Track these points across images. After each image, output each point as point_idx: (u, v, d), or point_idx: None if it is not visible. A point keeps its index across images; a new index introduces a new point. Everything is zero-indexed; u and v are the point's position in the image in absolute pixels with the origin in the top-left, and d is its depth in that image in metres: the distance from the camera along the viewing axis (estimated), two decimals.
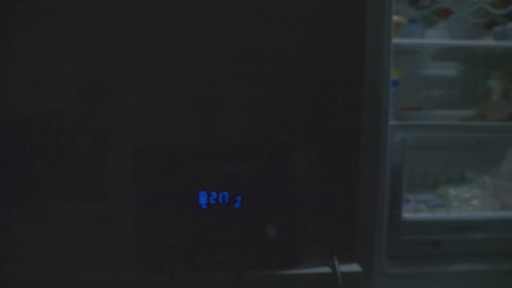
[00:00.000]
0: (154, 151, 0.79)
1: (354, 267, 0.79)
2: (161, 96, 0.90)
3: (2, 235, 0.78)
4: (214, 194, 0.77)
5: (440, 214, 0.91)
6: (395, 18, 1.04)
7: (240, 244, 0.76)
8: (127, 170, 0.76)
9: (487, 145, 1.17)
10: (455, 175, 1.14)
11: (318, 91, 0.89)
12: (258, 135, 0.89)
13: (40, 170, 0.88)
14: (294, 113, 0.89)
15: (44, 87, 0.91)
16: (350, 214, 0.84)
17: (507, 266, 0.95)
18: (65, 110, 0.92)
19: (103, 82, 0.93)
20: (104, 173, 0.88)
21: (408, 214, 0.90)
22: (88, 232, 0.80)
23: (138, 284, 0.72)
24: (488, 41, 1.13)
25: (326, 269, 0.77)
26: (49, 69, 0.89)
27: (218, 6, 0.89)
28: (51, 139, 0.88)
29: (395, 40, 0.94)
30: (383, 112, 0.82)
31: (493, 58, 1.29)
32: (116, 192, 0.87)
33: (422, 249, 0.91)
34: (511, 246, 0.98)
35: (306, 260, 0.79)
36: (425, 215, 0.91)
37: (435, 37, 1.41)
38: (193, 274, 0.73)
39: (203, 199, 0.77)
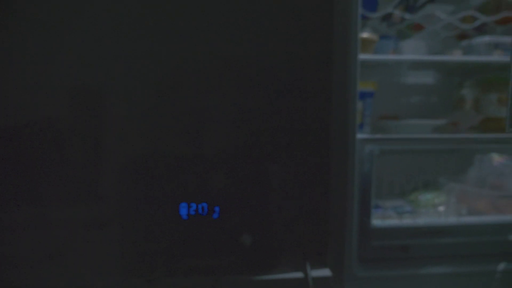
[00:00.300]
0: (138, 162, 0.84)
1: (325, 272, 0.86)
2: (147, 106, 0.95)
3: None
4: (194, 205, 0.83)
5: (406, 221, 0.97)
6: (367, 35, 1.10)
7: (217, 251, 0.82)
8: (113, 178, 0.82)
9: (461, 151, 1.23)
10: (431, 180, 1.21)
11: (291, 104, 0.95)
12: (236, 146, 0.95)
13: (32, 175, 0.92)
14: (268, 125, 0.94)
15: (36, 95, 0.96)
16: (322, 222, 0.90)
17: (472, 268, 1.01)
18: (58, 118, 0.97)
19: (95, 91, 0.98)
20: (95, 179, 0.93)
21: (377, 221, 0.96)
22: (77, 237, 0.85)
23: None
24: (451, 56, 1.20)
25: (299, 275, 0.84)
26: (42, 79, 0.94)
27: (200, 19, 0.94)
28: (43, 146, 0.93)
29: (362, 56, 1.00)
30: (351, 126, 0.88)
31: (466, 68, 1.36)
32: (106, 198, 0.92)
33: (392, 253, 0.97)
34: (476, 250, 1.04)
35: (280, 266, 0.85)
36: (393, 221, 0.97)
37: (412, 48, 1.47)
38: (172, 279, 0.79)
39: (183, 210, 0.83)
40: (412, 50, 1.48)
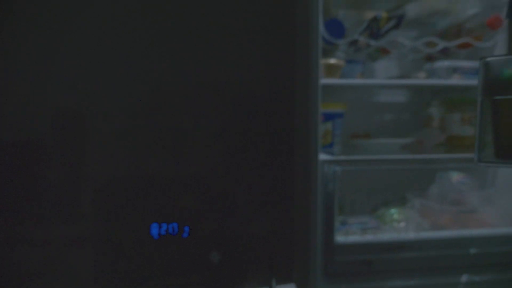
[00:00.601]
0: (113, 182, 0.90)
1: (291, 287, 0.91)
2: (122, 128, 0.99)
3: None
4: (164, 226, 0.89)
5: (369, 236, 1.03)
6: (334, 61, 1.18)
7: (187, 269, 0.88)
8: (89, 199, 0.87)
9: (427, 168, 1.30)
10: (397, 196, 1.27)
11: (258, 127, 1.01)
12: (206, 167, 1.01)
13: (14, 194, 0.97)
14: (236, 147, 1.00)
15: (17, 116, 1.01)
16: (288, 240, 0.96)
17: (435, 281, 1.07)
18: (38, 139, 1.02)
19: (76, 114, 1.03)
20: (71, 200, 0.98)
21: (340, 237, 1.02)
22: (54, 256, 0.90)
23: None
24: (412, 80, 1.27)
25: None
26: (22, 100, 0.99)
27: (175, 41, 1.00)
28: (23, 165, 0.98)
29: (325, 81, 1.08)
30: (313, 148, 0.95)
31: (433, 88, 1.43)
32: (81, 218, 0.97)
33: (356, 268, 1.03)
34: (438, 263, 1.10)
35: (247, 282, 0.90)
36: (356, 237, 1.03)
37: (385, 68, 1.55)
38: None
39: (155, 230, 0.89)
40: (384, 70, 1.56)
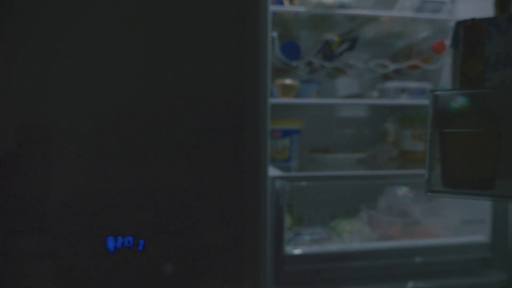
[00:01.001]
0: (72, 196, 0.95)
1: None
2: (84, 144, 1.05)
3: None
4: (120, 239, 0.95)
5: (316, 247, 1.10)
6: (289, 82, 1.25)
7: (142, 281, 0.93)
8: (50, 213, 0.93)
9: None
10: (351, 208, 1.34)
11: (211, 145, 1.07)
12: (162, 183, 1.07)
13: None
14: (191, 162, 1.06)
15: None
16: (239, 251, 1.02)
17: None
18: (6, 154, 1.06)
19: (43, 129, 1.08)
20: (35, 213, 1.02)
21: (289, 248, 1.08)
22: (14, 268, 0.95)
23: None
24: (362, 100, 1.36)
25: None
26: None
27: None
28: None
29: (273, 100, 1.16)
30: (262, 165, 1.02)
31: (385, 106, 1.52)
32: (42, 232, 1.02)
33: (305, 277, 1.10)
34: (385, 271, 1.17)
35: None
36: (306, 248, 1.10)
37: (346, 85, 1.63)
38: None
39: (111, 243, 0.94)
40: (346, 87, 1.64)
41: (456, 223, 1.20)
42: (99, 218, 0.96)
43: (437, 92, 0.52)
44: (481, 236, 1.19)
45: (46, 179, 1.06)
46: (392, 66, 1.33)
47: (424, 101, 1.33)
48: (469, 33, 0.52)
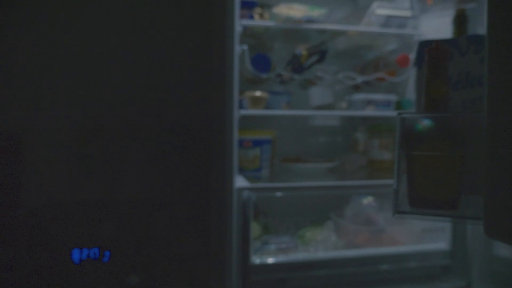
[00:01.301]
0: (38, 207, 0.96)
1: None
2: (60, 154, 1.06)
3: None
4: (86, 251, 0.96)
5: (281, 257, 1.13)
6: (259, 94, 1.28)
7: None
8: (16, 224, 0.93)
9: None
10: (319, 217, 1.38)
11: (178, 157, 1.10)
12: (128, 195, 1.08)
13: None
14: (158, 174, 1.08)
15: None
16: (205, 261, 1.04)
17: None
18: None
19: (14, 137, 1.08)
20: (5, 222, 1.03)
21: (255, 258, 1.11)
22: None
23: None
24: (330, 111, 1.40)
25: None
26: None
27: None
28: None
29: (243, 112, 1.19)
30: (228, 175, 1.04)
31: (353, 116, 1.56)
32: (10, 243, 1.03)
33: (271, 286, 1.12)
34: (351, 279, 1.21)
35: None
36: (270, 258, 1.13)
37: (319, 95, 1.67)
38: None
39: (76, 255, 0.96)
40: (319, 96, 1.68)
41: (418, 231, 1.25)
42: (65, 229, 0.97)
43: (404, 115, 0.54)
44: (441, 243, 1.23)
45: (11, 188, 1.06)
46: (359, 78, 1.37)
47: (389, 113, 1.38)
48: (433, 56, 0.53)
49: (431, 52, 0.53)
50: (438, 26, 1.31)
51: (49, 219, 0.95)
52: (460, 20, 0.98)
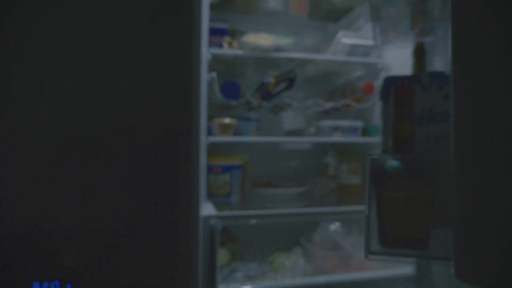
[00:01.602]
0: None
1: None
2: (29, 178, 1.03)
3: None
4: (46, 284, 0.93)
5: (248, 285, 1.13)
6: (228, 121, 1.30)
7: None
8: None
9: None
10: (288, 243, 1.38)
11: (144, 183, 1.09)
12: (93, 222, 1.06)
13: None
14: (125, 202, 1.07)
15: None
16: None
17: None
18: None
19: None
20: None
21: (222, 286, 1.10)
22: None
23: None
24: (298, 138, 1.43)
25: None
26: None
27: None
28: None
29: (212, 138, 1.20)
30: (194, 205, 1.04)
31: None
32: None
33: None
34: None
35: None
36: (237, 285, 1.12)
37: (291, 120, 1.70)
38: None
39: None
40: (291, 121, 1.71)
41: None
42: (25, 261, 0.94)
43: (373, 156, 0.54)
44: (407, 268, 1.25)
45: None
46: (327, 105, 1.41)
47: (356, 139, 1.41)
48: (399, 96, 0.53)
49: (397, 92, 0.53)
50: (400, 56, 1.36)
51: (7, 251, 0.93)
52: (419, 52, 1.03)
